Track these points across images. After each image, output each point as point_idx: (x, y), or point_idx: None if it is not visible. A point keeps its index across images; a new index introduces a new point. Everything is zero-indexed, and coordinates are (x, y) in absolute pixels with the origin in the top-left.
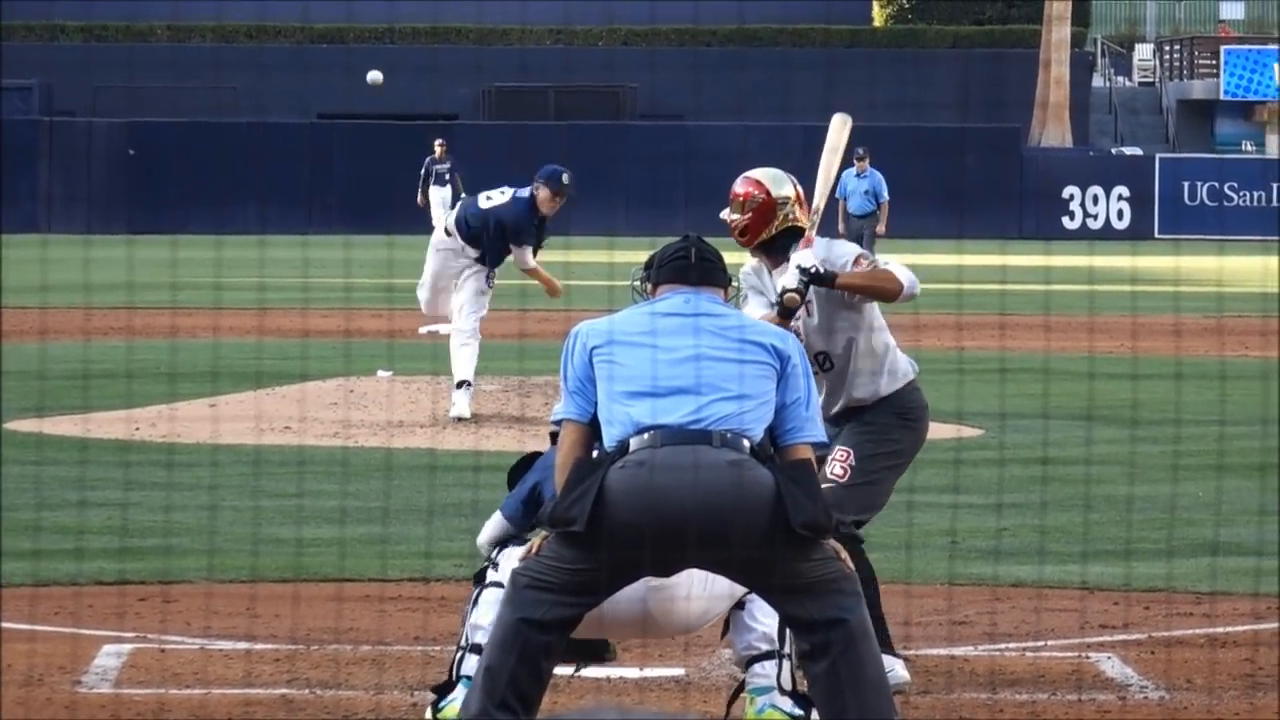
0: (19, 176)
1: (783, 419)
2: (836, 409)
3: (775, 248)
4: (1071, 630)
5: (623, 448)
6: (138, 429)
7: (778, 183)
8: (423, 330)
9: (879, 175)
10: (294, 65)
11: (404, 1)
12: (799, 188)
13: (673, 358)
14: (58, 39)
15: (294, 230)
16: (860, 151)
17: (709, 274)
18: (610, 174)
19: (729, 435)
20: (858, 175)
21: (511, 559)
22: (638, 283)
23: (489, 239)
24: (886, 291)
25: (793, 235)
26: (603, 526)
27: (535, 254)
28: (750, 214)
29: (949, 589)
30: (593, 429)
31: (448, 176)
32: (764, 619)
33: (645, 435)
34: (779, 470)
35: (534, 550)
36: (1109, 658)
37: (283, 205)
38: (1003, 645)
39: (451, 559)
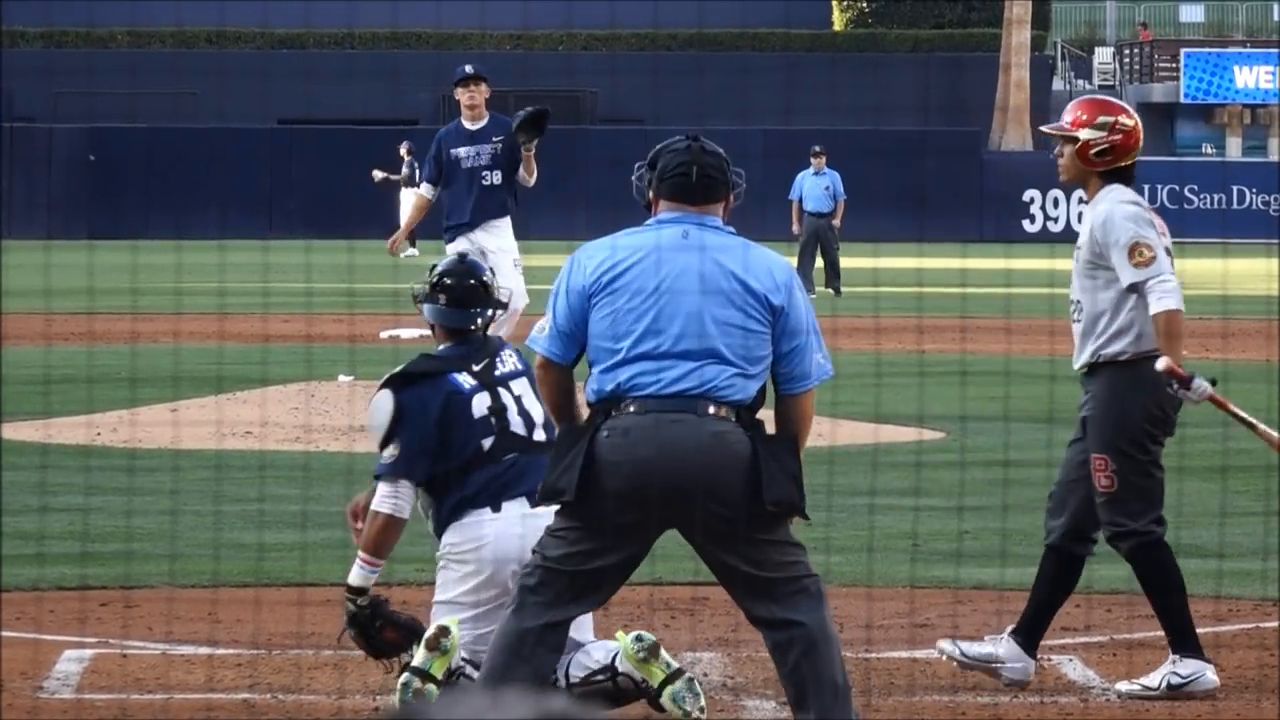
0: None
1: (781, 368)
2: (1080, 363)
3: (1111, 177)
4: None
5: (606, 408)
6: (99, 434)
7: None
8: (384, 334)
9: (835, 174)
10: (254, 70)
11: (363, 3)
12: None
13: (673, 314)
14: (17, 45)
15: (254, 235)
16: (817, 149)
17: (711, 191)
18: (571, 179)
19: (714, 407)
20: (815, 174)
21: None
22: (639, 181)
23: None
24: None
25: (1119, 175)
26: (593, 494)
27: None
28: (1120, 136)
29: (911, 592)
30: (572, 367)
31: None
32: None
33: (632, 399)
34: (762, 443)
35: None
36: (1071, 660)
37: (243, 210)
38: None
39: (412, 563)
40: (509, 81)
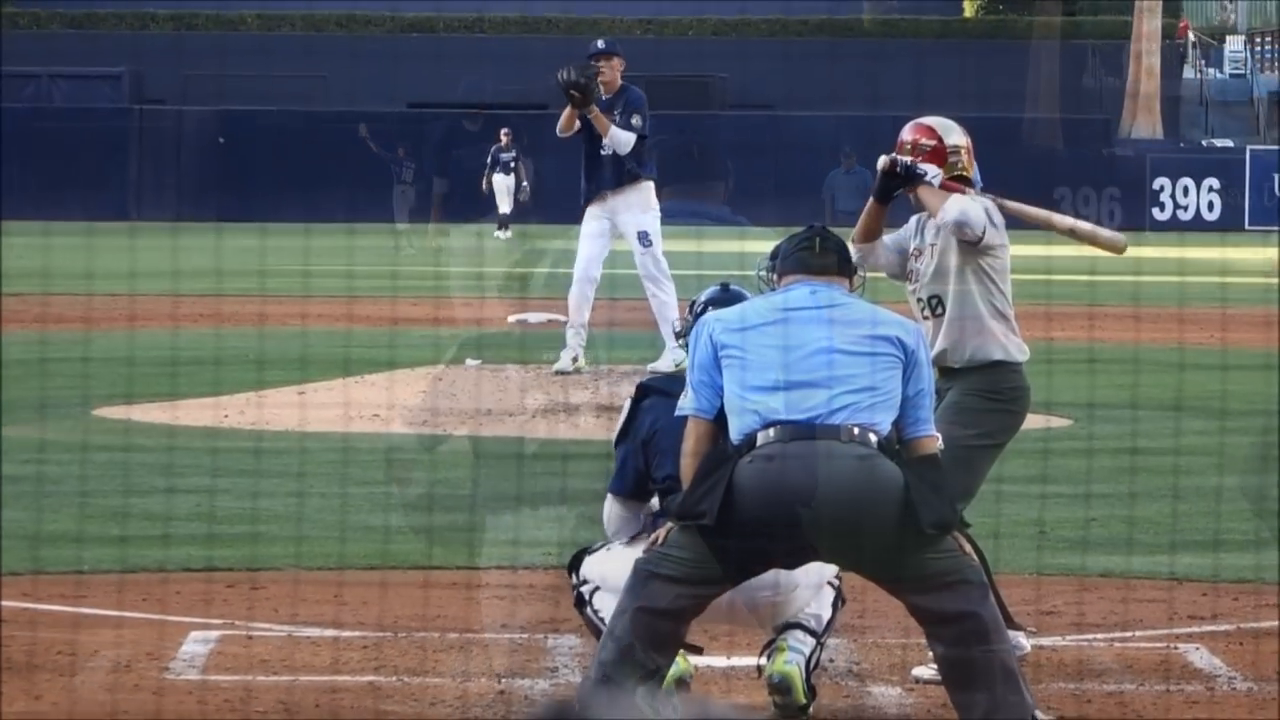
0: (108, 164)
1: (907, 411)
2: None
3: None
4: (1159, 621)
5: (750, 441)
6: (226, 416)
7: (948, 131)
8: (511, 319)
9: (866, 172)
10: (384, 54)
11: None
12: (968, 139)
13: (803, 351)
14: (148, 27)
15: (383, 219)
16: (847, 150)
17: (834, 265)
18: (699, 163)
19: (858, 430)
20: (845, 173)
21: (597, 572)
22: (764, 272)
23: None
24: (931, 208)
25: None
26: (731, 519)
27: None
28: (919, 159)
29: (1037, 579)
30: (718, 423)
31: (512, 165)
32: (817, 607)
33: (773, 429)
34: (907, 466)
35: (660, 541)
36: (1197, 649)
37: (372, 193)
38: (1090, 636)
39: (540, 547)
40: (640, 67)
